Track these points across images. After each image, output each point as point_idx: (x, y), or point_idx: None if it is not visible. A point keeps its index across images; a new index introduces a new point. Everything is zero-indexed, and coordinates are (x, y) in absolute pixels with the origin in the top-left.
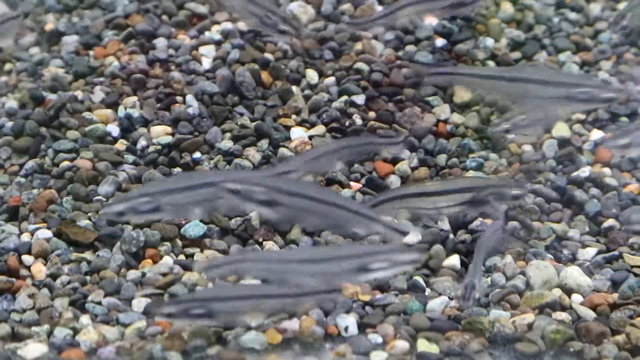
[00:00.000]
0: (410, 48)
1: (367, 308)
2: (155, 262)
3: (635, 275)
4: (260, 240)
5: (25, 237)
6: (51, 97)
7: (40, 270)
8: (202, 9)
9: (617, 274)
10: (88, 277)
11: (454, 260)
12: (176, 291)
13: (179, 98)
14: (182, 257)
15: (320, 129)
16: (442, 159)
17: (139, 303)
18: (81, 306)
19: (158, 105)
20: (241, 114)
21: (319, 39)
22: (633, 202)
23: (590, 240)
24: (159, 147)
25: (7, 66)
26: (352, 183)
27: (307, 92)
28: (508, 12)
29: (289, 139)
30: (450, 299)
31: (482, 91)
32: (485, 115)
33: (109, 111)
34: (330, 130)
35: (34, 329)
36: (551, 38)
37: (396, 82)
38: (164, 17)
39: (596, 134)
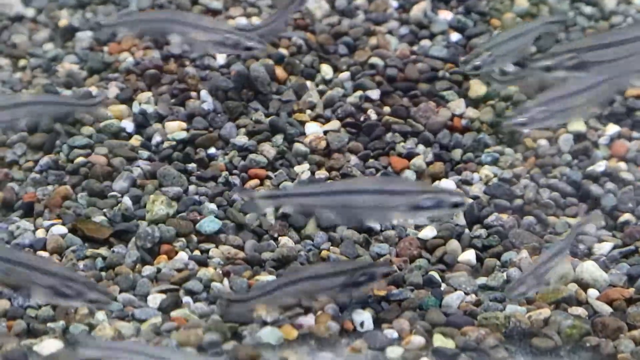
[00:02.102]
0: (425, 43)
1: (383, 303)
2: (170, 258)
3: None
4: (276, 235)
5: (41, 233)
6: (65, 93)
7: None
8: (216, 4)
9: (634, 269)
10: (103, 273)
11: (470, 255)
12: (191, 287)
13: (193, 93)
14: (197, 252)
15: (335, 124)
16: (457, 153)
17: (155, 299)
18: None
19: (172, 100)
20: (256, 109)
21: (334, 33)
22: None
23: (607, 235)
24: (174, 142)
25: (22, 62)
26: None
27: (321, 87)
28: (523, 6)
29: (303, 134)
30: (466, 294)
31: None
32: (500, 110)
33: (123, 107)
34: (345, 125)
35: (49, 325)
36: (566, 32)
37: (411, 77)
38: None
39: (612, 128)
